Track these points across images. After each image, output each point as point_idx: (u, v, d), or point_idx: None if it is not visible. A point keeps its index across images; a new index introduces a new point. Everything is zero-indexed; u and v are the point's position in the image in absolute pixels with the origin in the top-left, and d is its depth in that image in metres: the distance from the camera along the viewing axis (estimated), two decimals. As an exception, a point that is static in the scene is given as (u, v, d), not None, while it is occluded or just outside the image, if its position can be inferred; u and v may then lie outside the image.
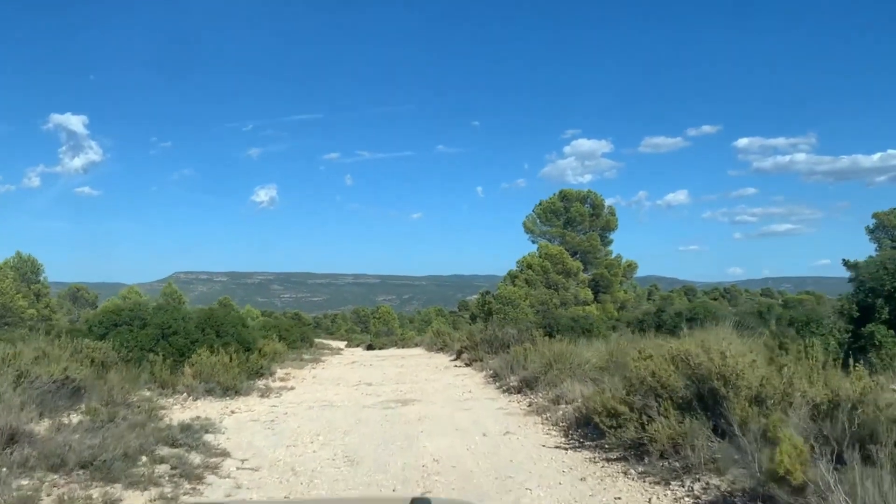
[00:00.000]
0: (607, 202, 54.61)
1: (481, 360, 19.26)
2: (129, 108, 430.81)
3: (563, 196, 53.76)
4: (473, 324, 61.84)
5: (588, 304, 46.05)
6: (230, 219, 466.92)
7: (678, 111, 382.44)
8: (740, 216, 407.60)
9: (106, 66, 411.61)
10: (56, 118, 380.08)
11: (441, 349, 27.76)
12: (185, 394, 12.88)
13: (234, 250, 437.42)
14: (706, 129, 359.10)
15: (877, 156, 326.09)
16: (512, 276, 61.29)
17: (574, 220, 52.63)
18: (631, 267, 54.14)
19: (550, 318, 20.50)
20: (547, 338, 19.26)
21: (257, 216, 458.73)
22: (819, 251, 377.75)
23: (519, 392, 12.24)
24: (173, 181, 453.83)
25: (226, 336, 16.44)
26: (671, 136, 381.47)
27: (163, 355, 14.58)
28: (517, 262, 46.67)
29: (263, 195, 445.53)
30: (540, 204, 54.57)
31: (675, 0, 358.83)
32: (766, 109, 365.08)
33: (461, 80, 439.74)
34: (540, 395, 11.30)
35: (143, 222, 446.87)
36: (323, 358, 25.89)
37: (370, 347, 56.47)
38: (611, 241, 54.00)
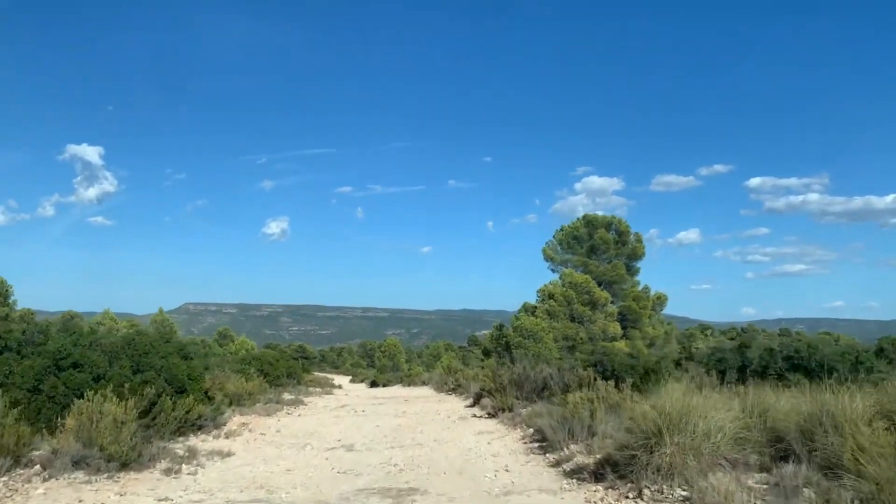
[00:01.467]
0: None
1: (511, 410, 13.93)
2: (144, 139, 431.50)
3: (587, 221, 48.60)
4: (487, 359, 56.25)
5: (617, 340, 40.56)
6: (241, 250, 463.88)
7: (690, 150, 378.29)
8: (752, 256, 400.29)
9: (123, 97, 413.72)
10: (72, 149, 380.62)
11: (453, 390, 22.39)
12: (38, 467, 7.66)
13: (244, 282, 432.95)
14: (718, 168, 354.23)
15: (890, 197, 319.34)
16: (528, 309, 55.75)
17: (598, 248, 47.37)
18: (660, 300, 48.61)
19: (601, 356, 15.11)
20: (602, 381, 14.06)
21: (268, 248, 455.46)
22: (833, 293, 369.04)
23: (598, 479, 6.90)
24: (186, 212, 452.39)
25: (148, 370, 11.21)
26: (683, 175, 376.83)
27: (28, 401, 9.44)
28: (537, 292, 41.35)
29: (275, 227, 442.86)
30: (561, 229, 49.42)
31: (686, 39, 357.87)
32: (778, 149, 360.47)
33: (473, 115, 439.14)
34: (652, 491, 5.97)
35: (155, 253, 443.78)
36: (307, 400, 20.56)
37: (374, 384, 51.22)
38: (637, 271, 48.57)
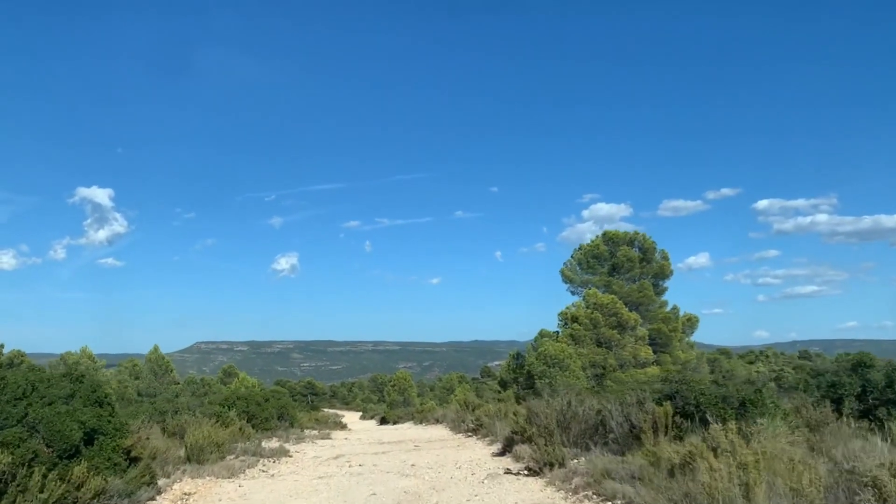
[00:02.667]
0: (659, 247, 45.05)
1: (562, 464, 9.80)
2: (153, 180, 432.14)
3: (608, 238, 44.54)
4: (504, 391, 51.71)
5: (648, 366, 36.22)
6: (251, 288, 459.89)
7: (697, 174, 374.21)
8: (763, 278, 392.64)
9: (132, 139, 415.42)
10: (82, 191, 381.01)
11: (474, 431, 18.17)
12: None
13: (254, 319, 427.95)
14: (725, 191, 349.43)
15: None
16: (544, 335, 51.39)
17: (621, 267, 43.21)
18: (691, 321, 44.27)
19: (681, 386, 10.94)
20: (684, 421, 10.14)
21: (278, 284, 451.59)
22: (846, 313, 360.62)
23: None
24: (196, 251, 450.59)
25: (13, 425, 7.20)
26: (690, 200, 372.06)
27: None
28: (558, 315, 37.19)
29: (285, 263, 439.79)
30: (580, 248, 45.36)
31: (691, 63, 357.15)
32: (785, 171, 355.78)
33: (478, 146, 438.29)
34: None
35: (166, 292, 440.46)
36: (295, 448, 16.43)
37: (383, 420, 46.87)
38: (665, 290, 44.33)
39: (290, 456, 14.72)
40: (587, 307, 35.29)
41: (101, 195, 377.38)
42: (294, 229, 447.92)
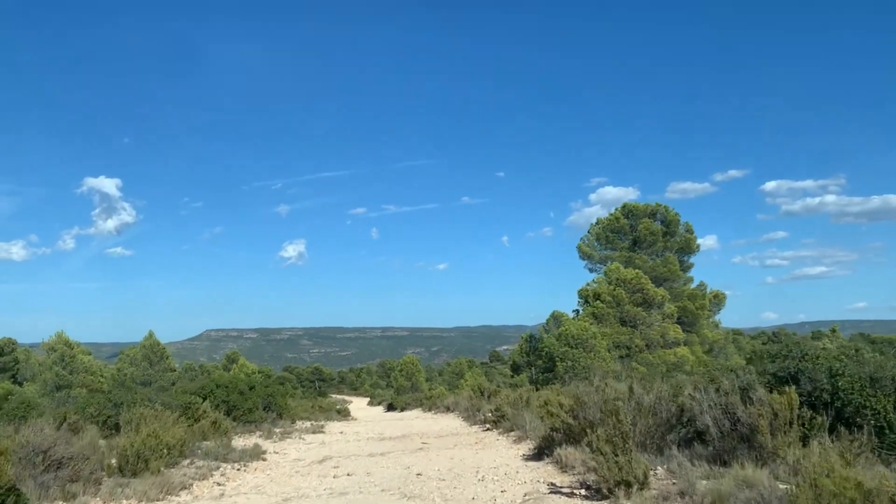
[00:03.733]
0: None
1: (643, 484, 6.42)
2: (161, 169, 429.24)
3: (627, 211, 41.01)
4: (517, 376, 48.42)
5: (678, 346, 32.80)
6: (260, 275, 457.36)
7: (704, 156, 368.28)
8: (771, 260, 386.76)
9: (138, 129, 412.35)
10: (90, 181, 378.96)
11: (496, 423, 14.81)
12: None
13: (263, 307, 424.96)
14: (733, 173, 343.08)
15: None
16: (556, 318, 48.19)
17: (643, 241, 39.72)
18: (718, 298, 40.84)
19: (803, 363, 7.38)
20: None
21: (286, 272, 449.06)
22: (855, 294, 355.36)
23: None
24: (204, 240, 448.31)
25: None
26: (698, 182, 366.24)
27: None
28: (578, 293, 33.74)
29: (292, 251, 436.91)
30: (597, 223, 41.87)
31: (698, 47, 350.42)
32: (793, 152, 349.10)
33: (485, 131, 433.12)
34: None
35: (175, 281, 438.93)
36: (273, 448, 13.15)
37: (390, 407, 43.81)
38: (690, 266, 40.90)
39: (265, 459, 11.42)
40: (609, 283, 31.84)
41: (109, 185, 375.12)
42: (301, 217, 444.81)
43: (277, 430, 16.38)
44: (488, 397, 21.68)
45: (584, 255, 40.92)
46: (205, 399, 17.69)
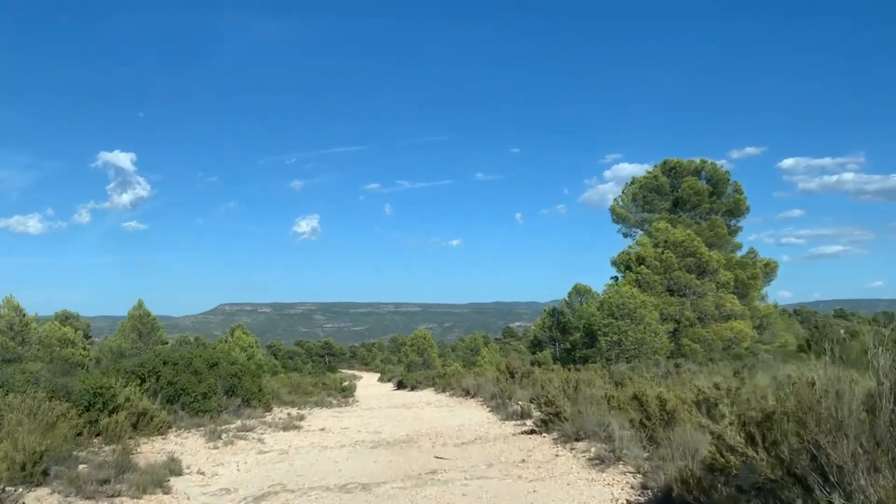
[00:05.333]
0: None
1: None
2: (175, 144, 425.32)
3: (669, 168, 35.68)
4: (539, 352, 43.48)
5: (734, 319, 27.64)
6: (274, 250, 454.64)
7: (721, 133, 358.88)
8: (787, 238, 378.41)
9: (153, 103, 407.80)
10: (105, 156, 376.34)
11: (545, 425, 9.76)
12: None
13: (277, 281, 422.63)
14: (750, 150, 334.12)
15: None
16: (576, 294, 43.31)
17: (686, 201, 34.45)
18: (769, 267, 35.51)
19: None
20: None
21: (300, 247, 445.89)
22: (872, 273, 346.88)
23: None
24: (219, 214, 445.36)
25: None
26: (715, 159, 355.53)
27: None
28: (615, 261, 28.63)
29: (305, 226, 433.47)
30: (633, 182, 36.57)
31: (715, 23, 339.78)
32: (811, 129, 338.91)
33: (499, 106, 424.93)
34: None
35: (190, 255, 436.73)
36: (192, 468, 8.19)
37: (401, 384, 39.26)
38: (738, 230, 35.61)
39: (165, 490, 6.52)
40: (655, 246, 26.68)
41: (124, 159, 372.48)
42: (315, 192, 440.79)
43: (233, 426, 11.54)
44: (520, 379, 16.76)
45: (618, 218, 35.76)
46: (143, 381, 12.92)
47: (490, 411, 13.72)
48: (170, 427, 11.40)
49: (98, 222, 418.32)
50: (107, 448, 8.71)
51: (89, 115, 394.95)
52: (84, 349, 38.08)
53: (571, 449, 7.89)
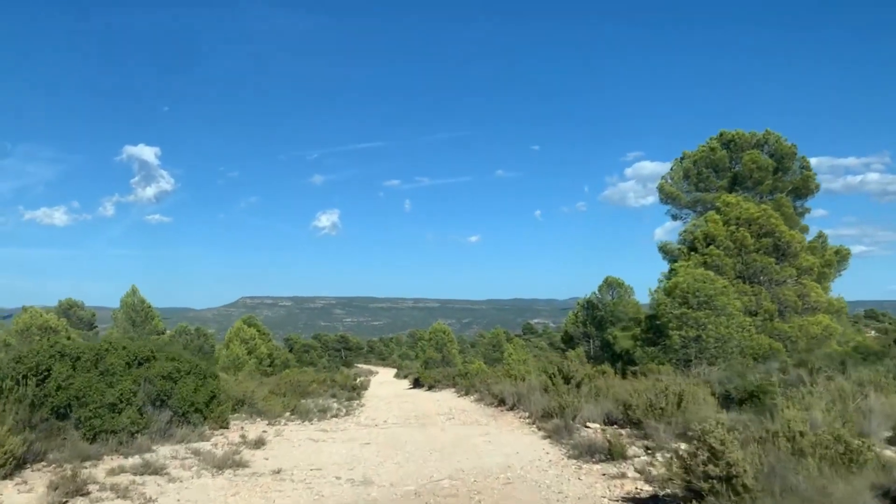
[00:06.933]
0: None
1: None
2: (199, 139, 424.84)
3: (726, 141, 30.42)
4: (573, 349, 38.45)
5: (819, 311, 22.43)
6: (294, 244, 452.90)
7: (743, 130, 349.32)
8: (809, 239, 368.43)
9: (178, 98, 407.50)
10: (129, 149, 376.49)
11: (696, 496, 4.74)
12: None
13: (298, 275, 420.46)
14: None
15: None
16: (607, 286, 38.29)
17: (747, 177, 29.19)
18: (841, 255, 30.05)
19: None
20: None
21: (320, 241, 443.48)
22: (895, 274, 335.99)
23: None
24: (240, 209, 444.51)
25: None
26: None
27: None
28: (680, 235, 23.68)
29: (326, 220, 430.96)
30: (685, 156, 31.36)
31: (738, 22, 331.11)
32: (835, 128, 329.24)
33: (520, 104, 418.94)
34: None
35: (212, 248, 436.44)
36: None
37: (417, 383, 34.70)
38: (806, 212, 30.25)
39: None
40: (726, 223, 21.61)
41: (148, 153, 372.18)
42: (335, 187, 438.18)
43: (129, 462, 6.77)
44: (577, 386, 11.84)
45: (668, 197, 30.61)
46: (18, 384, 8.25)
47: (546, 438, 8.86)
48: (17, 463, 6.71)
49: (122, 215, 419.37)
50: None
51: (114, 110, 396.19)
52: (68, 338, 33.86)
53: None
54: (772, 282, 21.49)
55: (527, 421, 10.65)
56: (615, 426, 9.45)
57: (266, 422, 11.33)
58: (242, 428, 10.51)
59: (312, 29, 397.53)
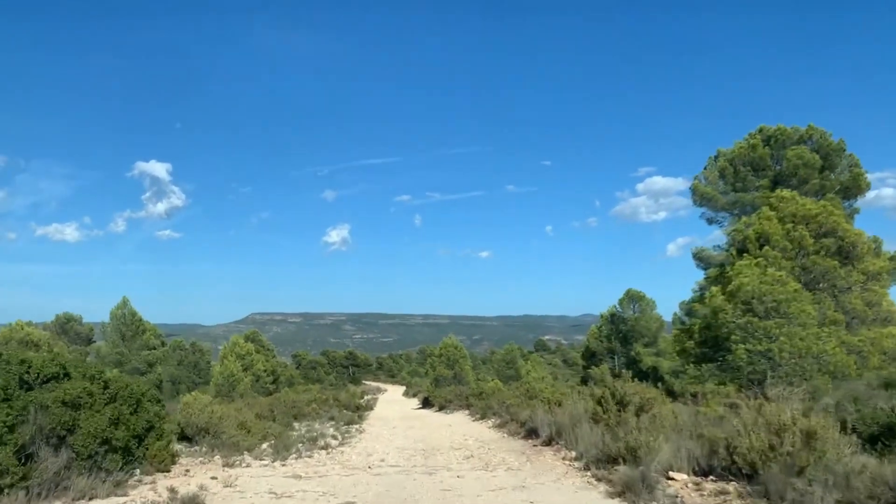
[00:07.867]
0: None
1: None
2: (210, 155, 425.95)
3: (768, 137, 27.55)
4: (595, 367, 35.30)
5: (892, 324, 19.40)
6: (304, 260, 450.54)
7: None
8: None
9: (190, 115, 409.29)
10: (141, 165, 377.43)
11: None
12: None
13: (307, 291, 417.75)
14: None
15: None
16: (628, 300, 35.58)
17: (790, 176, 26.35)
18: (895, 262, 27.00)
19: None
20: None
21: (330, 257, 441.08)
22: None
23: None
24: (251, 225, 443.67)
25: None
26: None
27: None
28: (728, 235, 20.80)
29: (336, 236, 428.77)
30: (720, 154, 28.55)
31: (749, 38, 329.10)
32: (850, 142, 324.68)
33: (531, 119, 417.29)
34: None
35: (222, 264, 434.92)
36: None
37: (426, 403, 31.93)
38: (856, 212, 27.30)
39: None
40: (781, 220, 18.66)
41: (160, 169, 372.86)
42: (346, 203, 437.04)
43: None
44: (636, 415, 8.90)
45: (703, 199, 27.73)
46: None
47: (616, 497, 5.90)
48: None
49: (133, 231, 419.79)
50: None
51: (127, 126, 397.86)
52: (48, 352, 31.21)
53: None
54: (835, 288, 18.46)
55: (576, 465, 7.71)
56: (709, 477, 6.52)
57: (223, 461, 8.47)
58: (188, 471, 7.64)
59: (324, 47, 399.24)
